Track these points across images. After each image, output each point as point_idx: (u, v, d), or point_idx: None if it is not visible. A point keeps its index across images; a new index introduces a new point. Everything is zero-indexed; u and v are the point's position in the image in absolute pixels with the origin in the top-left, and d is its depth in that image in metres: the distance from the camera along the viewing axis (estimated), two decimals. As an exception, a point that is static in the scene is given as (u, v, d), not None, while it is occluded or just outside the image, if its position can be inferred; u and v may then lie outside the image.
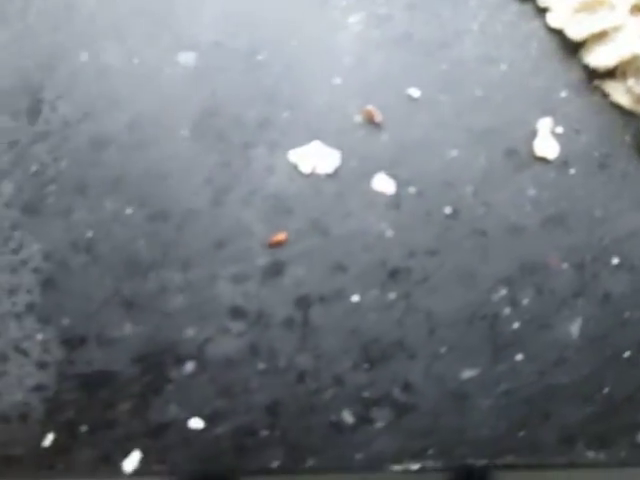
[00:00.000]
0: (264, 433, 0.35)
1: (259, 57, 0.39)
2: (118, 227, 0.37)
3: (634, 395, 0.36)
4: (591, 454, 0.36)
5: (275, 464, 0.35)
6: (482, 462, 0.35)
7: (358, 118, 0.38)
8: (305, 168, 0.37)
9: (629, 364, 0.36)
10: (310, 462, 0.35)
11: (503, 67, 0.40)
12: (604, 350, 0.36)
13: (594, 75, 0.39)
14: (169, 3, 0.40)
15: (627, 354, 0.36)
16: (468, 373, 0.36)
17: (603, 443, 0.36)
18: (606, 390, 0.36)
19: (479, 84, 0.39)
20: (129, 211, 0.37)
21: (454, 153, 0.38)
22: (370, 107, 0.38)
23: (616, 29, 0.38)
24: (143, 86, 0.38)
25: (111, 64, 0.38)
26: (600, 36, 0.38)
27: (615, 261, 0.37)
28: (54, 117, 0.38)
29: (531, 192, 0.38)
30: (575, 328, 0.36)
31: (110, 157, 0.38)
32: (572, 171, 0.38)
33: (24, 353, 0.36)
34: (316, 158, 0.37)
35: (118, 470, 0.35)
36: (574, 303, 0.37)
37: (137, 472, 0.35)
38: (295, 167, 0.38)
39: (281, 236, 0.36)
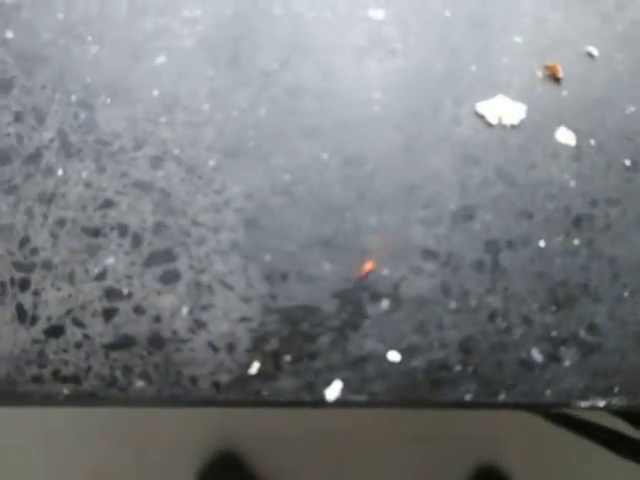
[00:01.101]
0: (457, 368, 0.37)
1: (446, 13, 0.41)
2: (314, 171, 0.39)
3: None
4: None
5: (468, 397, 0.37)
6: (665, 401, 0.37)
7: (539, 74, 0.40)
8: (492, 119, 0.39)
9: None
10: (501, 397, 0.37)
11: (675, 29, 0.41)
12: None
13: None
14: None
15: None
16: (650, 317, 0.38)
17: None
18: None
19: (652, 44, 0.41)
20: (325, 156, 0.39)
21: (632, 108, 0.40)
22: (554, 63, 0.40)
23: None
24: (335, 38, 0.40)
25: (304, 16, 0.40)
26: None
27: None
28: (252, 66, 0.40)
29: None
30: None
31: (306, 105, 0.40)
32: None
33: (229, 287, 0.38)
34: (502, 110, 0.39)
35: (321, 398, 0.37)
36: None
37: (338, 402, 0.37)
38: (482, 118, 0.39)
39: (369, 266, 0.37)
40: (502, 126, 0.39)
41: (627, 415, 0.62)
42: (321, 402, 0.37)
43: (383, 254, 0.37)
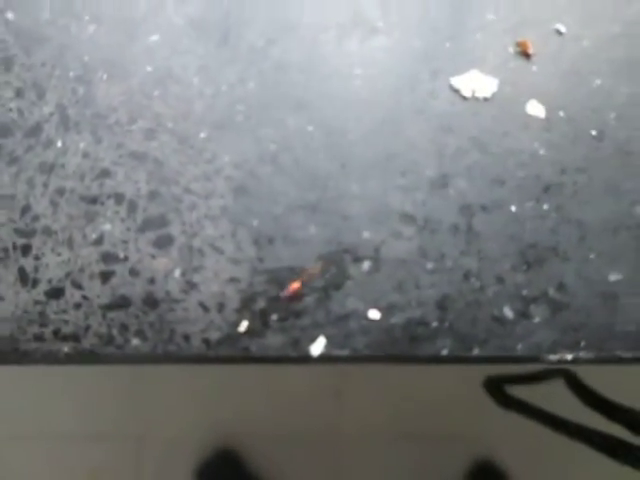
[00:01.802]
0: (434, 325, 0.39)
1: (424, -6, 0.43)
2: (300, 142, 0.41)
3: None
4: None
5: (444, 352, 0.39)
6: (630, 354, 0.39)
7: (511, 50, 0.43)
8: (466, 93, 0.42)
9: None
10: (475, 351, 0.39)
11: (638, 5, 0.44)
12: None
13: None
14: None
15: None
16: (615, 276, 0.40)
17: None
18: None
19: (618, 21, 0.43)
20: (310, 128, 0.41)
21: (598, 82, 0.42)
22: (525, 39, 0.42)
23: None
24: (320, 17, 0.43)
25: (290, -1, 0.43)
26: None
27: None
28: (240, 43, 0.42)
29: (668, 118, 0.42)
30: None
31: (292, 80, 0.42)
32: None
33: (219, 250, 0.40)
34: (475, 84, 0.42)
35: (306, 354, 0.39)
36: None
37: (322, 357, 0.39)
38: (457, 92, 0.42)
39: (296, 285, 0.39)
40: (475, 99, 0.42)
41: (626, 421, 0.65)
42: (306, 357, 0.39)
43: (312, 279, 0.39)
